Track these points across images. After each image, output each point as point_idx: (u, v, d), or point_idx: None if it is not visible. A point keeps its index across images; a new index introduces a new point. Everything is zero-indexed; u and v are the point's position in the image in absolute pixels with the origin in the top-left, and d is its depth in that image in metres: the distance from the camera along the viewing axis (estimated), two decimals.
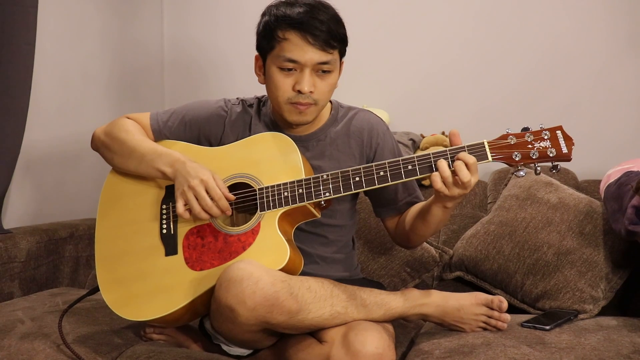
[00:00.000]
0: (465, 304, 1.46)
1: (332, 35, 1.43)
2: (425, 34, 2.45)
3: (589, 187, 2.06)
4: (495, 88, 2.37)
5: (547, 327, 1.48)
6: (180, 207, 1.40)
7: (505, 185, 2.06)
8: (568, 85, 2.29)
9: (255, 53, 1.54)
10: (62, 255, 2.07)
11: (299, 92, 1.44)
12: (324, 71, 1.45)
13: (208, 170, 1.42)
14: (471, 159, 1.29)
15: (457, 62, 2.41)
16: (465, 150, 1.31)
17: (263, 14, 1.50)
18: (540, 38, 2.32)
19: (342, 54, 1.49)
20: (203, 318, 1.51)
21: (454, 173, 1.29)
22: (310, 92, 1.44)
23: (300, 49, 1.41)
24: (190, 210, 1.41)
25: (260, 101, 1.63)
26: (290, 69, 1.44)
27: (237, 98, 1.64)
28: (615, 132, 2.24)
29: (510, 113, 2.34)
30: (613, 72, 2.25)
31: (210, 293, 1.35)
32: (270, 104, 1.59)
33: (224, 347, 1.46)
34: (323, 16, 1.43)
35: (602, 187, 1.82)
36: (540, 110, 2.31)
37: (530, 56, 2.33)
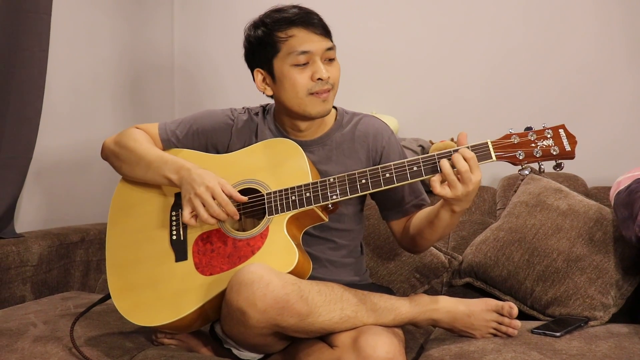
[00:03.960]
0: (476, 310, 1.46)
1: (325, 25, 1.51)
2: (434, 41, 2.46)
3: (599, 193, 2.05)
4: (504, 95, 2.37)
5: (558, 334, 1.47)
6: (186, 214, 1.42)
7: (515, 191, 2.06)
8: (578, 91, 2.29)
9: (252, 74, 1.57)
10: (73, 260, 2.08)
11: (319, 79, 1.47)
12: (330, 58, 1.51)
13: (214, 176, 1.43)
14: (469, 153, 1.31)
15: (467, 69, 2.42)
16: (467, 147, 1.33)
17: (255, 27, 1.54)
18: (549, 46, 2.32)
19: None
20: (213, 322, 1.51)
21: (455, 171, 1.31)
22: (328, 77, 1.48)
23: (309, 39, 1.47)
24: (196, 217, 1.42)
25: (264, 109, 1.66)
26: (304, 64, 1.47)
27: (243, 107, 1.67)
28: (626, 139, 2.23)
29: (518, 120, 2.30)
30: (624, 78, 2.24)
31: (221, 297, 1.36)
32: (275, 112, 1.62)
33: (235, 352, 1.46)
34: (312, 11, 1.52)
35: (612, 194, 1.82)
36: (550, 118, 2.27)
37: (539, 64, 2.33)
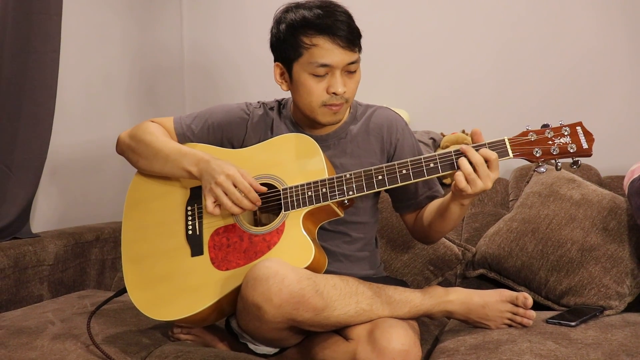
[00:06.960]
0: (490, 300, 1.46)
1: (354, 34, 1.46)
2: (445, 33, 2.45)
3: (612, 183, 2.04)
4: (515, 86, 2.36)
5: (573, 324, 1.47)
6: (209, 204, 1.41)
7: (527, 182, 2.05)
8: (590, 81, 2.27)
9: (273, 62, 1.54)
10: (89, 258, 2.10)
11: (334, 94, 1.46)
12: (351, 70, 1.48)
13: (233, 165, 1.43)
14: (493, 154, 1.31)
15: (476, 61, 2.41)
16: (486, 147, 1.32)
17: (278, 22, 1.51)
18: (560, 36, 2.30)
19: (360, 49, 1.51)
20: (229, 317, 1.53)
21: (475, 170, 1.31)
22: (344, 92, 1.46)
23: (332, 53, 1.43)
24: (220, 207, 1.42)
25: (280, 104, 1.66)
26: (322, 75, 1.45)
27: (258, 102, 1.67)
28: (639, 128, 2.22)
29: (530, 111, 2.33)
30: (635, 67, 2.22)
31: (236, 292, 1.37)
32: (292, 107, 1.61)
33: (251, 346, 1.48)
34: (341, 16, 1.46)
35: (626, 182, 1.81)
36: (562, 108, 2.29)
37: (550, 54, 2.32)
